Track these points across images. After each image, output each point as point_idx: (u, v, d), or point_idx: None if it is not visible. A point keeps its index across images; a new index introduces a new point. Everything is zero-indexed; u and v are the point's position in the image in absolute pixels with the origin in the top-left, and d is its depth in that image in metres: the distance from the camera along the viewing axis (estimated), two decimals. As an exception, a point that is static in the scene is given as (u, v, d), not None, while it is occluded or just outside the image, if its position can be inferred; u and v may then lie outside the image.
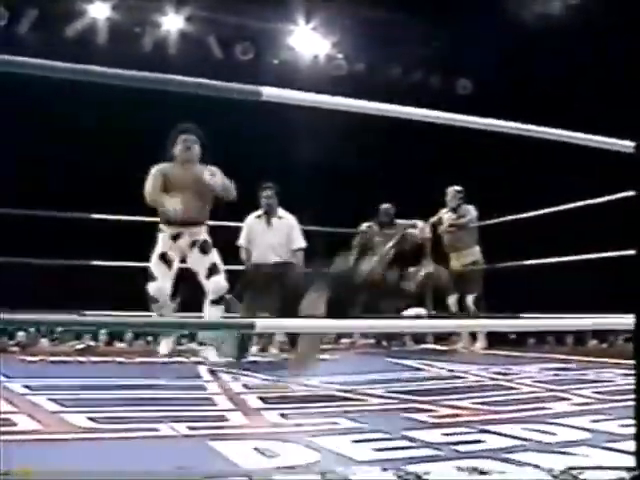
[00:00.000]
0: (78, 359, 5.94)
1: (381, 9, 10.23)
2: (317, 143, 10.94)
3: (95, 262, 7.12)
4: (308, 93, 1.86)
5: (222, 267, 5.38)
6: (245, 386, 3.93)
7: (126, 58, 9.43)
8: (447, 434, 2.54)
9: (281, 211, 6.51)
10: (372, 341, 7.89)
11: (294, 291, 6.19)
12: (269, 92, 1.75)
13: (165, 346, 5.63)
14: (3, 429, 2.59)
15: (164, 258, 5.31)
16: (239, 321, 2.73)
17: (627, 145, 2.15)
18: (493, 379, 4.42)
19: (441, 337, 8.17)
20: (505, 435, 2.51)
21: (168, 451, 2.30)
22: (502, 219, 7.39)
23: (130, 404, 3.20)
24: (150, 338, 10.06)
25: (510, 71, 10.43)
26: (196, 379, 4.34)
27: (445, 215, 7.52)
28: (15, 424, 2.70)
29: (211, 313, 5.26)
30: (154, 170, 5.43)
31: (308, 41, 11.22)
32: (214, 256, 5.37)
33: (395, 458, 2.14)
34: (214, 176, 5.22)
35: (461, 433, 2.57)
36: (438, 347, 7.59)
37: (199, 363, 5.11)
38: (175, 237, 5.33)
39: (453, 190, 7.44)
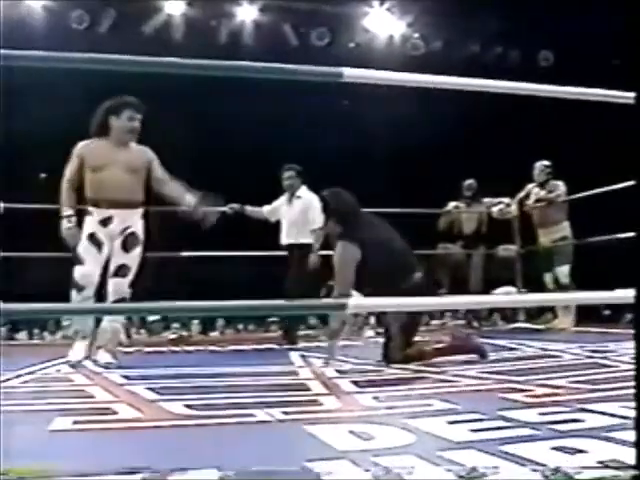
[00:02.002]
0: (172, 349, 6.09)
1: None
2: (393, 124, 10.90)
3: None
4: (387, 72, 1.85)
5: (133, 269, 4.66)
6: (338, 371, 3.95)
7: (203, 51, 9.56)
8: (544, 413, 2.49)
9: (302, 191, 6.47)
10: (462, 322, 7.82)
11: (297, 275, 6.20)
12: (350, 73, 1.75)
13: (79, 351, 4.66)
14: (105, 417, 2.68)
15: (93, 239, 4.58)
16: (331, 302, 2.74)
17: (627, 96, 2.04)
18: (589, 357, 4.32)
19: (533, 315, 8.02)
20: (604, 413, 2.44)
21: (265, 436, 2.33)
22: (591, 192, 7.16)
23: (225, 391, 3.26)
24: (241, 326, 10.22)
25: (591, 39, 10.10)
26: (288, 365, 4.40)
27: (533, 190, 7.36)
28: (116, 412, 2.79)
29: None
30: (76, 150, 4.72)
31: (383, 22, 11.12)
32: (132, 255, 4.66)
33: (492, 438, 2.11)
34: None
35: (558, 412, 2.51)
36: (531, 325, 7.45)
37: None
38: (104, 222, 4.61)
39: (541, 165, 7.27)
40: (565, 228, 7.11)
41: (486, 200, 7.86)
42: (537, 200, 7.27)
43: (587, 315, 7.18)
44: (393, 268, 4.30)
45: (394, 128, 10.90)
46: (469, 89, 2.11)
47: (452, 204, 7.97)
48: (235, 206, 6.42)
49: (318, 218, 6.15)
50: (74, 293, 4.52)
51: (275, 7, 10.65)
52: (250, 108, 9.90)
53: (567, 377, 3.40)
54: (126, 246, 4.61)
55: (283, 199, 6.55)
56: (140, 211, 4.73)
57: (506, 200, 7.72)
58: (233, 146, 10.69)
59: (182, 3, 10.32)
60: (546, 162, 7.27)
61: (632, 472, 1.66)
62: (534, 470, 1.77)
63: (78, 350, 4.62)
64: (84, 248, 4.56)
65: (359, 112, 10.62)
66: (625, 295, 1.89)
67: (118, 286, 4.56)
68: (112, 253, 4.61)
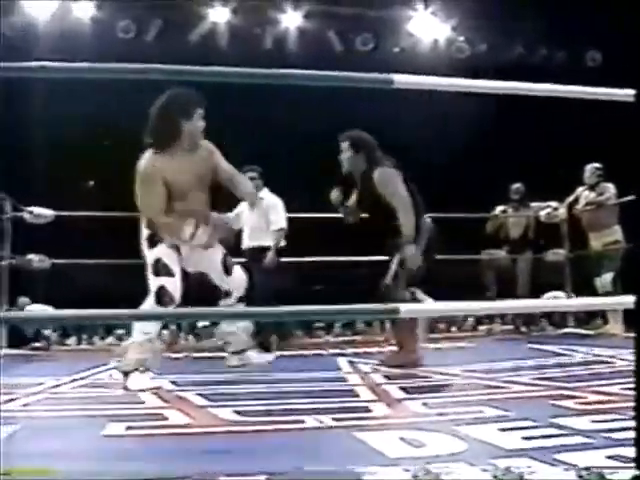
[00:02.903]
0: (220, 354, 6.13)
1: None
2: (436, 126, 10.83)
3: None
4: (437, 77, 1.85)
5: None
6: (386, 377, 3.94)
7: (248, 58, 9.64)
8: (597, 421, 2.45)
9: (264, 192, 6.29)
10: (510, 327, 7.73)
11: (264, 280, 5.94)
12: (400, 79, 1.75)
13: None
14: (156, 423, 2.71)
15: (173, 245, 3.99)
16: (383, 306, 2.72)
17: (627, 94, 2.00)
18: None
19: (583, 321, 7.90)
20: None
21: (315, 443, 2.33)
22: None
23: (274, 397, 3.27)
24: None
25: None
26: (337, 371, 4.39)
27: (583, 193, 7.25)
28: (167, 418, 2.82)
29: None
30: (148, 168, 3.90)
31: (428, 26, 11.08)
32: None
33: (545, 446, 2.08)
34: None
35: (612, 420, 2.47)
36: (581, 331, 7.33)
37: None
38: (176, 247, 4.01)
39: (592, 167, 7.15)
40: (616, 232, 6.97)
41: (534, 204, 7.77)
42: (587, 203, 7.16)
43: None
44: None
45: (437, 130, 10.84)
46: (514, 93, 2.11)
47: (499, 208, 7.89)
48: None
49: (280, 219, 6.28)
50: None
51: (319, 13, 10.67)
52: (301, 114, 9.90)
53: (619, 384, 3.34)
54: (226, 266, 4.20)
55: (245, 204, 6.16)
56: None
57: (554, 204, 7.62)
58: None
59: (227, 11, 10.40)
60: (597, 164, 7.15)
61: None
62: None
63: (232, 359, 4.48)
64: (166, 254, 3.96)
65: (402, 114, 10.55)
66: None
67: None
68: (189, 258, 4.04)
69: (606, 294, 6.67)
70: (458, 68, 10.47)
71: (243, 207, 6.30)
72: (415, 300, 4.35)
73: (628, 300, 1.79)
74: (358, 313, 3.31)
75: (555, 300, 6.29)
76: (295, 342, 7.33)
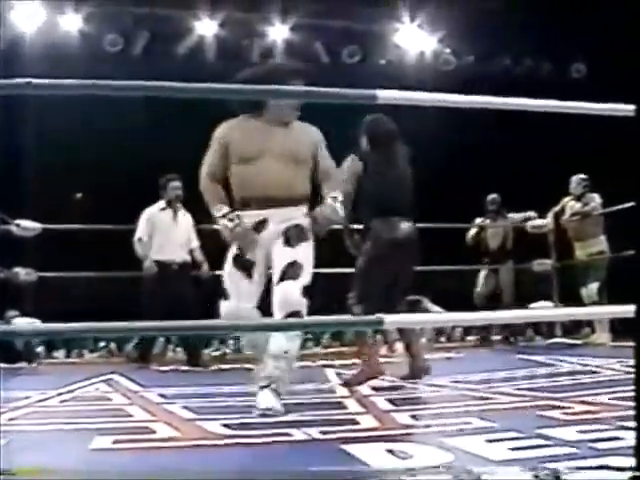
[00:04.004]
0: (209, 367, 6.11)
1: (486, -1, 10.06)
2: (420, 136, 10.84)
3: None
4: (422, 93, 1.87)
5: (307, 269, 3.36)
6: (373, 388, 3.94)
7: (236, 71, 9.64)
8: (583, 431, 2.46)
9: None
10: (498, 338, 7.76)
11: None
12: (384, 95, 1.76)
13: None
14: (143, 437, 2.71)
15: (239, 262, 3.43)
16: (366, 318, 2.72)
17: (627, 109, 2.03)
18: (628, 372, 4.25)
19: (570, 330, 7.94)
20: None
21: (302, 455, 2.33)
22: (626, 205, 7.02)
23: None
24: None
25: (626, 49, 9.98)
26: (325, 383, 4.39)
27: (569, 204, 7.30)
28: (154, 432, 2.81)
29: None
30: (219, 133, 3.55)
31: (414, 38, 11.14)
32: (300, 250, 3.38)
33: (531, 457, 2.09)
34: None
35: (598, 430, 2.48)
36: (568, 341, 7.36)
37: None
38: (255, 229, 3.43)
39: (577, 178, 7.21)
40: (602, 242, 7.03)
41: (511, 215, 7.80)
42: (573, 214, 7.21)
43: (625, 329, 7.05)
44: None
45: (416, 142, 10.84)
46: (501, 108, 2.12)
47: (477, 220, 7.94)
48: None
49: (195, 236, 6.31)
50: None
51: (306, 26, 10.72)
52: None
53: (606, 394, 3.36)
54: (290, 241, 3.39)
55: (157, 212, 6.27)
56: (304, 208, 3.52)
57: (532, 213, 7.67)
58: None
59: (214, 24, 10.42)
60: (582, 175, 7.21)
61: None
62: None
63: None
64: (228, 274, 3.44)
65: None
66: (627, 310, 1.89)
67: (287, 294, 3.25)
68: (272, 257, 3.41)
69: (592, 304, 6.70)
70: (445, 80, 10.53)
71: (155, 213, 6.27)
72: (422, 309, 4.27)
73: (628, 309, 1.80)
74: (340, 324, 3.29)
75: (553, 310, 6.29)
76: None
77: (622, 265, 6.92)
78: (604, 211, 7.10)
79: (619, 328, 6.66)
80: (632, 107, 1.88)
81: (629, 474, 1.68)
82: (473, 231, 7.91)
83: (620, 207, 6.99)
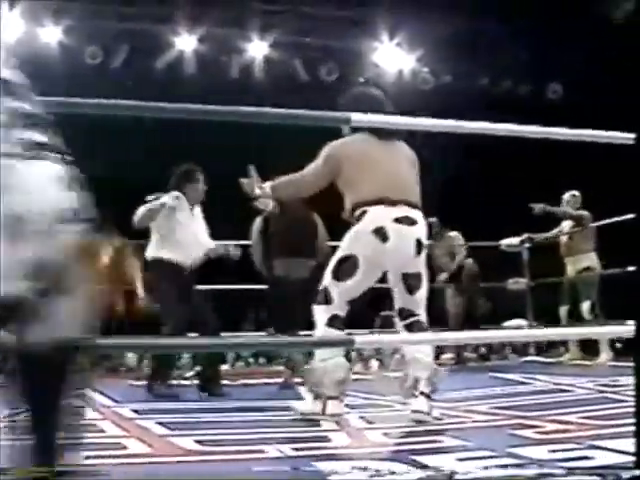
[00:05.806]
0: (182, 382, 6.07)
1: (464, 19, 10.15)
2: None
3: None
4: (395, 116, 1.88)
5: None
6: (347, 406, 3.94)
7: (214, 86, 9.67)
8: (554, 450, 2.48)
9: None
10: (473, 355, 7.78)
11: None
12: (357, 117, 1.77)
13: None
14: (115, 453, 2.69)
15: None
16: (339, 338, 2.72)
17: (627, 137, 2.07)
18: (601, 392, 4.29)
19: (544, 349, 7.98)
20: (615, 451, 2.42)
21: (274, 472, 2.33)
22: (615, 219, 6.93)
23: (235, 427, 3.26)
24: (251, 360, 10.04)
25: (601, 70, 10.11)
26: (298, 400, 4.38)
27: (564, 223, 7.28)
28: (125, 447, 2.80)
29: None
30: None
31: (393, 57, 11.22)
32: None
33: (501, 476, 2.11)
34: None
35: (569, 449, 2.50)
36: (542, 359, 7.40)
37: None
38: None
39: (569, 195, 7.20)
40: (591, 258, 6.99)
41: (452, 234, 7.69)
42: (560, 232, 7.22)
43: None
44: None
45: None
46: (479, 132, 2.14)
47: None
48: None
49: None
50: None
51: (285, 43, 10.77)
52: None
53: (578, 413, 3.39)
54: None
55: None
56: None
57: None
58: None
59: (194, 39, 10.45)
60: (574, 192, 7.19)
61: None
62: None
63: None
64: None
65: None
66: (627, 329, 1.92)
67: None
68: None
69: (586, 322, 6.65)
70: (423, 99, 10.59)
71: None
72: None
73: (628, 329, 1.83)
74: (312, 344, 3.29)
75: (550, 329, 6.28)
76: (257, 371, 7.29)
77: (614, 282, 6.89)
78: (594, 224, 7.03)
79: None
80: (632, 135, 1.91)
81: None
82: None
83: (609, 221, 6.97)
